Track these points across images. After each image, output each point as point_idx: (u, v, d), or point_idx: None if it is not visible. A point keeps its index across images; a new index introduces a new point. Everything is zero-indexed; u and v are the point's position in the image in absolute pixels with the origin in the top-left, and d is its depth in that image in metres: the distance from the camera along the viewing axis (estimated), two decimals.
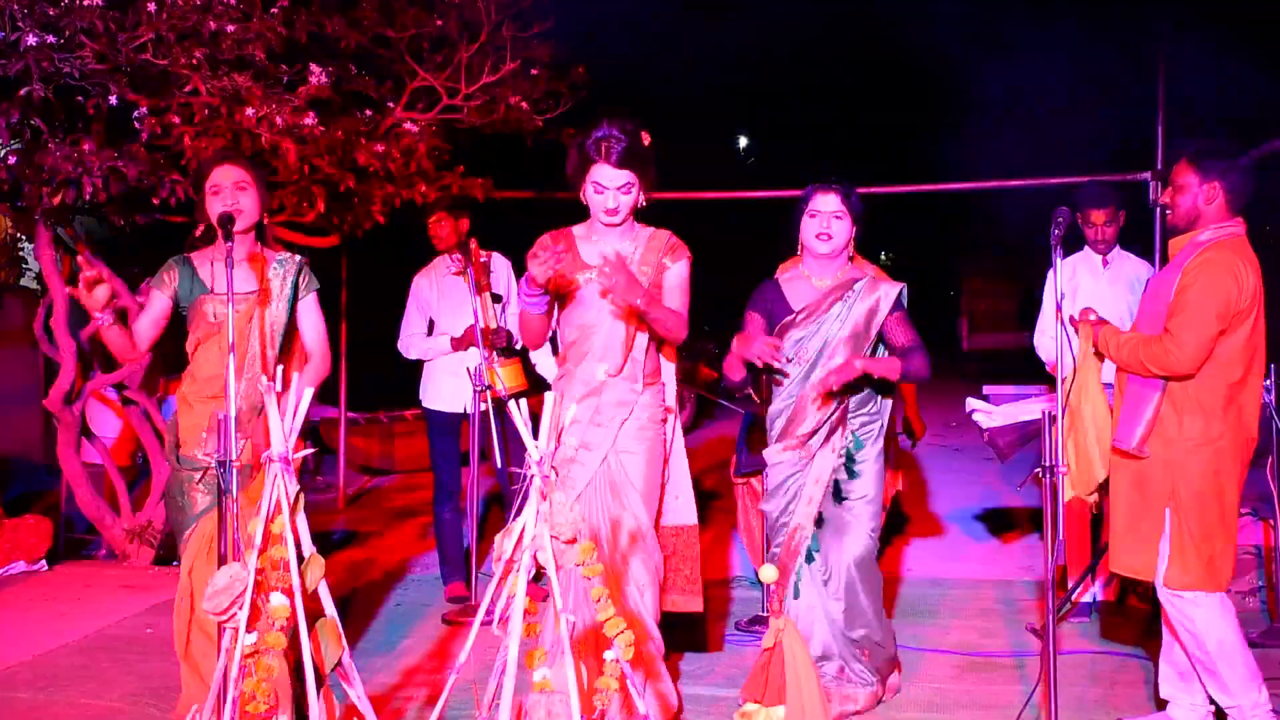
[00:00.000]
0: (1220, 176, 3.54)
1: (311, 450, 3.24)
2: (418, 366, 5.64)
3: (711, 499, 7.36)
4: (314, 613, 2.87)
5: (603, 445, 3.71)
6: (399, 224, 5.90)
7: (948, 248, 26.88)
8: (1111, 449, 3.69)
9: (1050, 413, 3.53)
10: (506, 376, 5.14)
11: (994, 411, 4.92)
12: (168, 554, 6.01)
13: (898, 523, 6.78)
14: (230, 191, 3.70)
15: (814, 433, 3.91)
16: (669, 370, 3.96)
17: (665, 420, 3.87)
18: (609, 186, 3.66)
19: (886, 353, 4.00)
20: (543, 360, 5.36)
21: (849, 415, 3.94)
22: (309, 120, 5.18)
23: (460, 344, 5.32)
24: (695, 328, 4.11)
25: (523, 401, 2.71)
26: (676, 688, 3.89)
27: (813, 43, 19.52)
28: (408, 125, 5.80)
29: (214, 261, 3.74)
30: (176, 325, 3.85)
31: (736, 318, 4.11)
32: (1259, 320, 3.53)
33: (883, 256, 27.86)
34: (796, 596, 3.91)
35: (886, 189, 7.78)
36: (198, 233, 3.83)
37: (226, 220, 3.51)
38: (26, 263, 6.82)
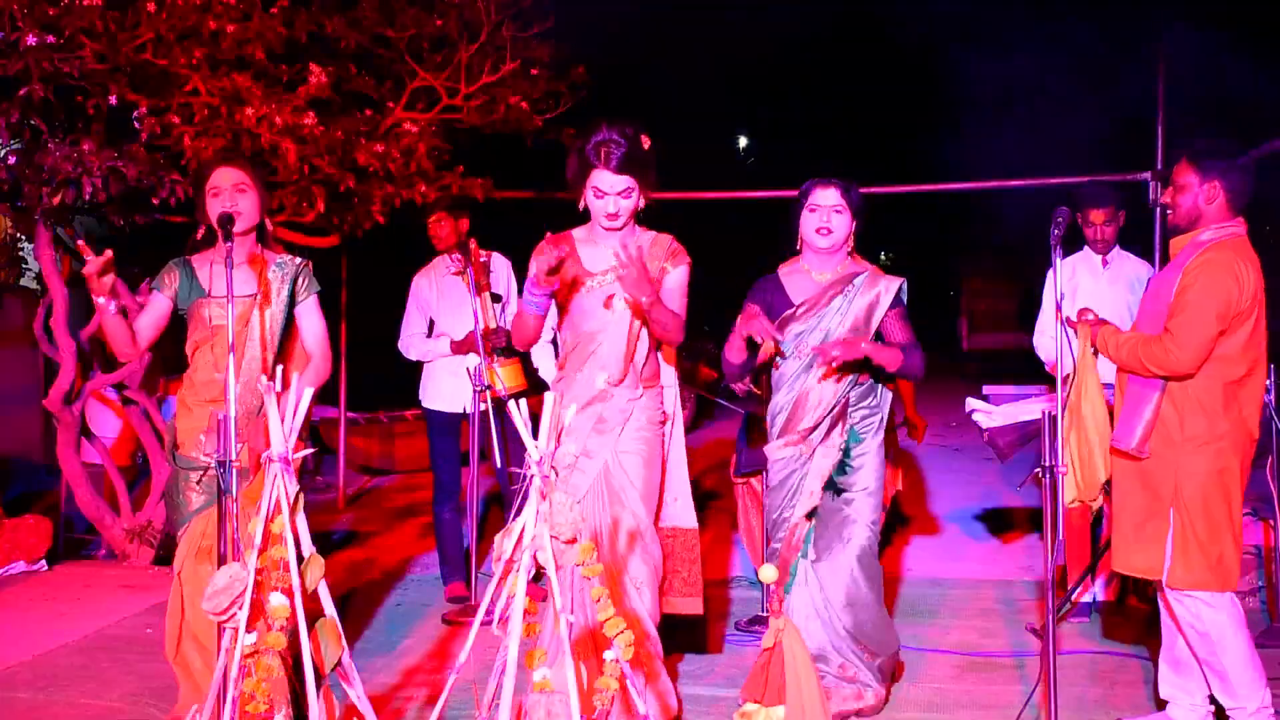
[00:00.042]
0: (1221, 176, 3.54)
1: (311, 450, 3.24)
2: (418, 366, 5.64)
3: (711, 499, 7.36)
4: (314, 613, 2.87)
5: (603, 452, 3.72)
6: (399, 224, 5.90)
7: (948, 248, 26.84)
8: (1111, 449, 3.69)
9: (1050, 413, 3.53)
10: (506, 376, 5.15)
11: (994, 411, 4.92)
12: (168, 554, 5.99)
13: (898, 523, 6.78)
14: (230, 193, 3.70)
15: (815, 427, 3.91)
16: (669, 374, 3.96)
17: (664, 422, 3.88)
18: (609, 192, 3.66)
19: None
20: (543, 361, 5.36)
21: (850, 409, 3.94)
22: (309, 120, 5.18)
23: (460, 348, 5.32)
24: (695, 328, 4.12)
25: (523, 401, 2.70)
26: (675, 688, 3.88)
27: (813, 43, 19.54)
28: (408, 125, 5.80)
29: (213, 264, 3.73)
30: (178, 327, 3.86)
31: (736, 317, 4.10)
32: (1260, 320, 3.53)
33: (883, 256, 27.86)
34: (788, 591, 3.90)
35: (886, 189, 7.77)
36: (199, 235, 3.83)
37: (226, 221, 3.51)
38: (26, 263, 6.81)
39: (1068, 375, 3.70)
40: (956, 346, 25.30)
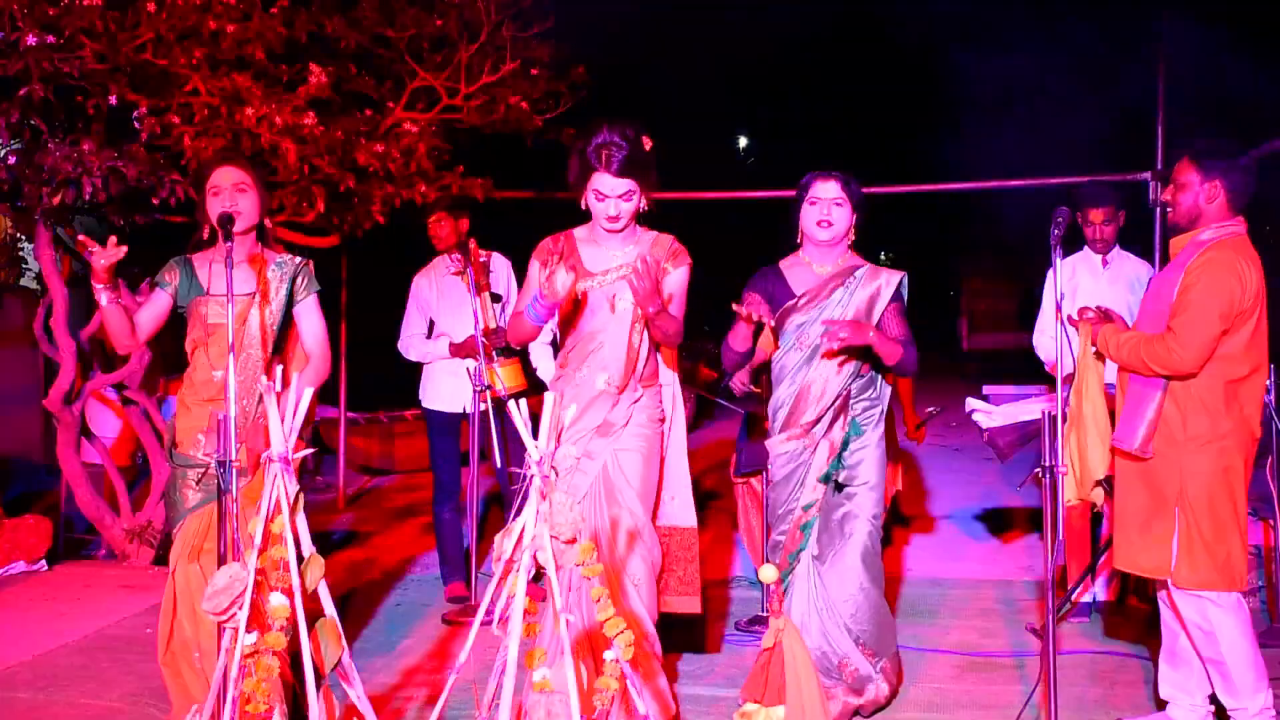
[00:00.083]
0: (1222, 175, 3.55)
1: (311, 450, 3.24)
2: (417, 366, 5.64)
3: (711, 499, 7.36)
4: (314, 613, 2.87)
5: (604, 453, 3.72)
6: (399, 224, 5.90)
7: (948, 248, 26.86)
8: (1112, 449, 3.68)
9: (1050, 413, 3.53)
10: (506, 376, 5.15)
11: (994, 411, 4.93)
12: (167, 554, 5.98)
13: (898, 523, 6.78)
14: (230, 193, 3.71)
15: (818, 420, 3.91)
16: (667, 373, 3.96)
17: (662, 420, 3.87)
18: (610, 195, 3.66)
19: None
20: (542, 361, 5.36)
21: (851, 401, 3.94)
22: (309, 120, 5.18)
23: (459, 351, 5.32)
24: (695, 328, 4.11)
25: (523, 401, 2.71)
26: (674, 688, 3.88)
27: (813, 43, 19.54)
28: (408, 125, 5.80)
29: (212, 263, 3.75)
30: (179, 326, 3.86)
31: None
32: (1262, 319, 3.53)
33: (882, 256, 27.81)
34: (787, 584, 3.90)
35: (886, 189, 7.78)
36: (204, 234, 3.82)
37: (226, 221, 3.52)
38: (26, 263, 6.81)
39: (1068, 375, 3.70)
40: (956, 346, 25.31)
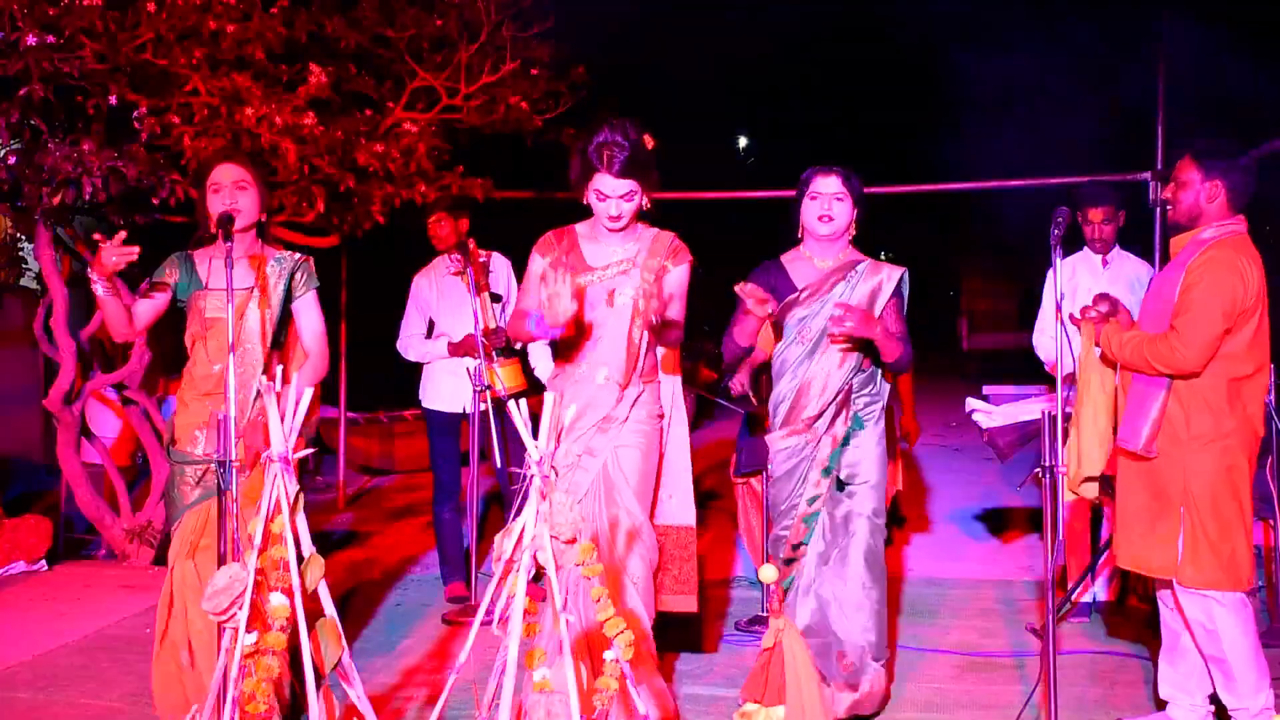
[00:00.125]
0: (1222, 175, 3.55)
1: (312, 450, 3.24)
2: (417, 366, 5.64)
3: (711, 499, 7.36)
4: (314, 613, 2.87)
5: (605, 450, 3.72)
6: (399, 224, 5.90)
7: (948, 248, 26.88)
8: (1116, 449, 3.68)
9: (1050, 413, 3.53)
10: (506, 376, 5.15)
11: (994, 411, 4.93)
12: (167, 554, 6.00)
13: (897, 523, 6.78)
14: (230, 190, 3.72)
15: (820, 415, 3.90)
16: (667, 376, 3.96)
17: (661, 417, 3.87)
18: (611, 195, 3.66)
19: None
20: (542, 361, 5.36)
21: (852, 395, 3.94)
22: (309, 120, 5.18)
23: (457, 351, 5.32)
24: (695, 327, 4.11)
25: (523, 401, 2.71)
26: (672, 688, 3.88)
27: (813, 43, 19.53)
28: (408, 125, 5.80)
29: (212, 259, 3.76)
30: (179, 325, 3.86)
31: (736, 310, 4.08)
32: (1264, 317, 3.53)
33: (882, 256, 27.80)
34: (788, 585, 3.89)
35: (886, 189, 7.76)
36: (211, 229, 3.82)
37: (226, 221, 3.53)
38: (26, 263, 6.81)
39: (1068, 375, 3.70)
40: (956, 346, 25.33)
